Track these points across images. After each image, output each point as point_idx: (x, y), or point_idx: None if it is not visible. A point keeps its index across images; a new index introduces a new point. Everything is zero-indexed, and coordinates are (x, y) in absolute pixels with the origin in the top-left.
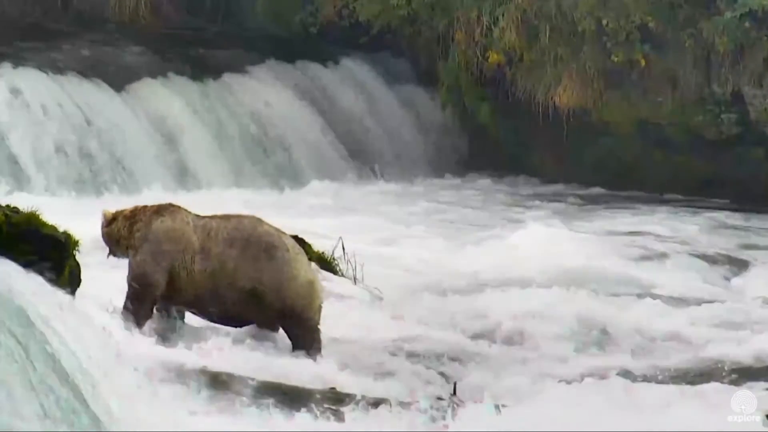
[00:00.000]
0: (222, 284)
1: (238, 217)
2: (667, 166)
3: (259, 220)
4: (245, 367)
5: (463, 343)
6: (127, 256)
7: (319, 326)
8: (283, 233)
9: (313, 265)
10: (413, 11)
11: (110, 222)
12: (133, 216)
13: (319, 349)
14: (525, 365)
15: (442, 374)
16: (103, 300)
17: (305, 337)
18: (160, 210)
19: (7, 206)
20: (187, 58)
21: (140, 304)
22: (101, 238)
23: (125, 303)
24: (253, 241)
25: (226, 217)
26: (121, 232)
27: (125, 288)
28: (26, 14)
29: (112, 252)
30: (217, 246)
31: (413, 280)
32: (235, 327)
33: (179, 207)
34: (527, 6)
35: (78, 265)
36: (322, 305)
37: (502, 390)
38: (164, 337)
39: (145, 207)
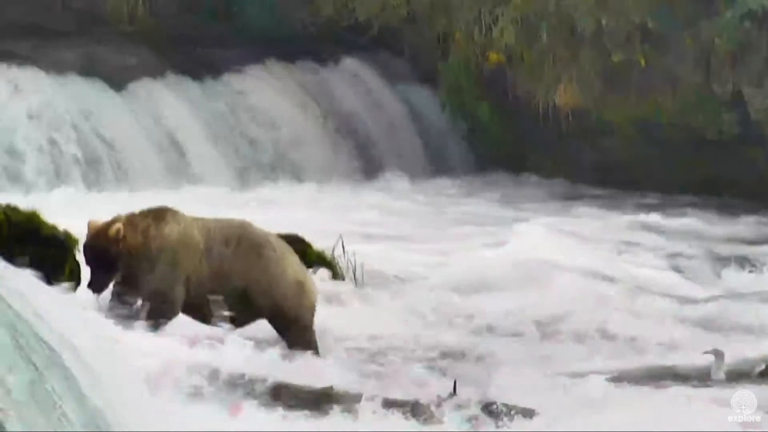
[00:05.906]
0: (218, 284)
1: (228, 219)
2: (666, 166)
3: (248, 223)
4: (241, 366)
5: (462, 342)
6: (132, 271)
7: (311, 326)
8: (271, 234)
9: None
10: (413, 11)
11: (117, 235)
12: (134, 224)
13: (315, 349)
14: (525, 366)
15: (442, 373)
16: (104, 298)
17: (297, 337)
18: (161, 215)
19: (8, 205)
20: (187, 58)
21: (163, 320)
22: (93, 257)
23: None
24: (243, 240)
25: (217, 219)
26: (138, 241)
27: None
28: (26, 13)
29: (106, 277)
30: (216, 244)
31: (413, 279)
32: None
33: (174, 209)
34: (527, 6)
35: (78, 264)
36: (315, 305)
37: (502, 390)
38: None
39: (141, 214)
